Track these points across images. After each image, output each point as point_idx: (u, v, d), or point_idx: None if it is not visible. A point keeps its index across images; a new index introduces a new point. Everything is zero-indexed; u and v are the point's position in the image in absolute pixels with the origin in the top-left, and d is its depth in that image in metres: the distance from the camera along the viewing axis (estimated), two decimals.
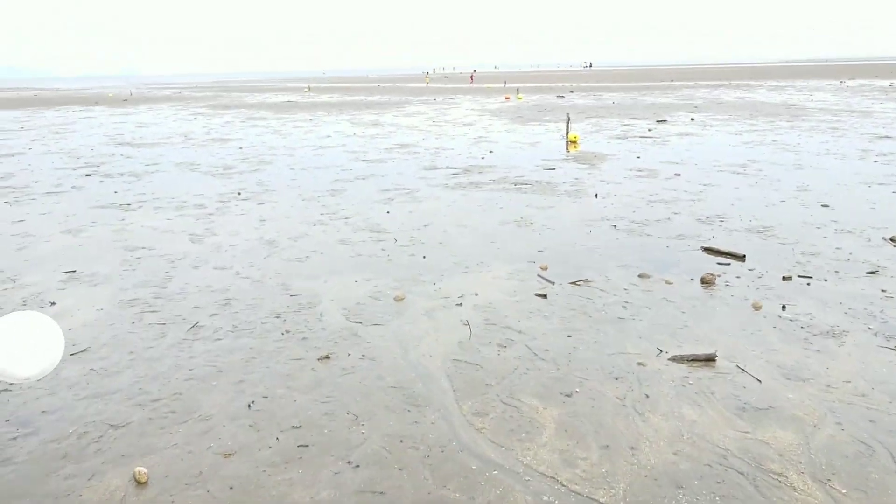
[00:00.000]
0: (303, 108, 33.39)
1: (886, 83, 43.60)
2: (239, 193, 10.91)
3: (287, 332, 5.04)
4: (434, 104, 34.74)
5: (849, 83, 45.44)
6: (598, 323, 5.07)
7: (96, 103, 44.15)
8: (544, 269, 6.48)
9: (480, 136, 18.64)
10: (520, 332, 4.93)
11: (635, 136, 17.60)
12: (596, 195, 9.97)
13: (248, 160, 14.96)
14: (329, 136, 19.67)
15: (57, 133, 22.96)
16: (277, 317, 5.36)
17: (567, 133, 17.53)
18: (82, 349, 4.77)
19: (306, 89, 61.35)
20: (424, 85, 65.84)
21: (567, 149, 15.90)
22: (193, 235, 8.17)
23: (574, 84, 57.95)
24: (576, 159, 13.85)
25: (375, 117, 26.70)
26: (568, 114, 18.24)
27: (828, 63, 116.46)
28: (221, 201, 10.32)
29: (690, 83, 54.41)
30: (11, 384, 2.35)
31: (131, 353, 4.74)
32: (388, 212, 9.24)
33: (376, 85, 69.67)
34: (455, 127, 21.72)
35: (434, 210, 9.31)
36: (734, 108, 26.61)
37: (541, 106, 31.01)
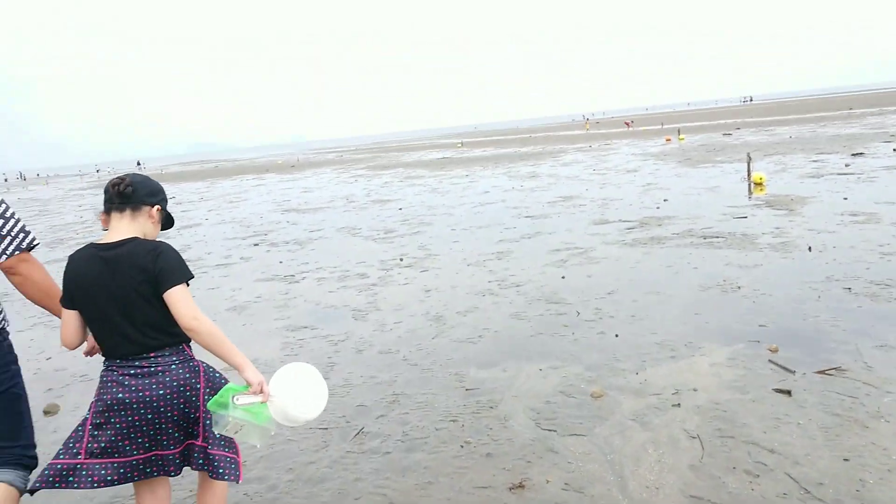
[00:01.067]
0: (458, 164, 33.43)
1: None
2: (401, 260, 10.39)
3: (467, 443, 4.15)
4: (590, 151, 33.59)
5: None
6: (882, 438, 3.75)
7: (267, 171, 47.07)
8: (774, 351, 5.19)
9: (649, 183, 17.28)
10: (771, 450, 3.72)
11: (832, 174, 15.51)
12: (809, 248, 8.42)
13: (407, 222, 14.61)
14: (487, 192, 19.12)
15: (231, 202, 24.20)
16: (454, 420, 4.50)
17: (749, 174, 15.81)
18: None
19: (459, 144, 62.28)
20: (576, 133, 64.75)
21: (751, 192, 14.23)
22: (356, 311, 7.61)
23: (739, 120, 54.57)
24: (768, 204, 12.19)
25: (532, 168, 25.99)
26: (748, 153, 16.48)
27: None
28: (384, 269, 9.82)
29: (874, 110, 49.40)
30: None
31: (290, 470, 4.04)
32: (563, 277, 8.25)
33: (528, 135, 69.49)
34: (619, 174, 20.46)
35: (616, 273, 8.21)
36: None
37: (708, 146, 28.96)
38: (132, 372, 2.59)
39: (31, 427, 2.99)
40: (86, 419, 2.65)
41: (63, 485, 2.54)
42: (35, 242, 2.89)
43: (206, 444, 2.68)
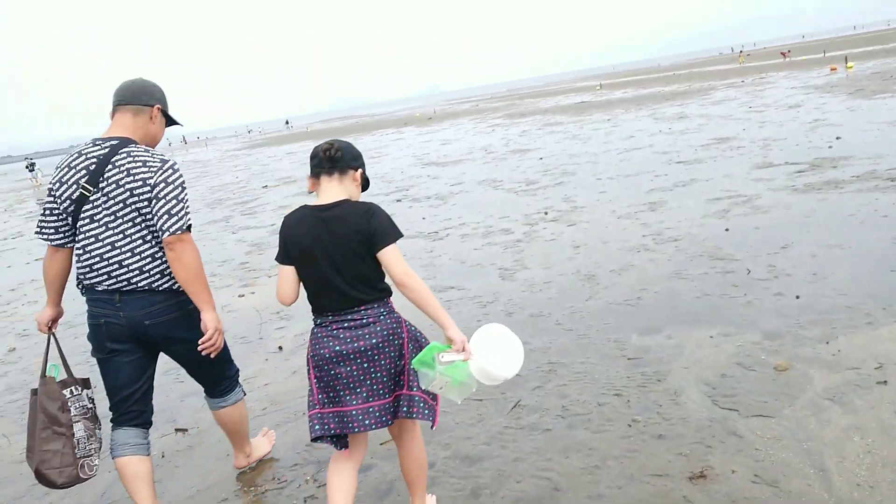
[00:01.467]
0: (598, 108, 32.12)
1: None
2: (545, 213, 10.00)
3: (635, 421, 3.80)
4: (743, 87, 31.13)
5: None
6: None
7: (405, 124, 47.66)
8: None
9: (816, 120, 15.65)
10: None
11: None
12: None
13: (549, 172, 14.11)
14: (632, 137, 18.13)
15: (373, 158, 24.60)
16: (617, 394, 4.15)
17: None
18: (387, 438, 4.03)
19: (598, 87, 59.94)
20: (725, 67, 60.39)
21: None
22: (503, 270, 7.36)
23: None
24: None
25: (679, 109, 24.43)
26: None
27: None
28: (528, 224, 9.48)
29: None
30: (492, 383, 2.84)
31: (447, 446, 3.88)
32: (726, 229, 7.55)
33: (671, 73, 65.72)
34: (779, 111, 18.72)
35: (788, 223, 7.40)
36: None
37: (883, 73, 25.94)
38: (346, 325, 2.74)
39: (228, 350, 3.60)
40: (310, 376, 2.86)
41: (322, 431, 2.80)
42: (190, 224, 3.11)
43: (410, 391, 2.82)
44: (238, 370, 3.69)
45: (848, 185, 8.75)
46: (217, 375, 3.52)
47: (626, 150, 15.69)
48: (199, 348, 3.11)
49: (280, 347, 5.98)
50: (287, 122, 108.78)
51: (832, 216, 7.42)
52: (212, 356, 3.18)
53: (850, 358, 4.16)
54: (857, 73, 28.49)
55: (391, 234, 2.73)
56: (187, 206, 3.08)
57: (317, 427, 2.80)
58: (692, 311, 5.32)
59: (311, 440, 2.83)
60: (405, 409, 2.82)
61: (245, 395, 3.73)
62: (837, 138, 12.52)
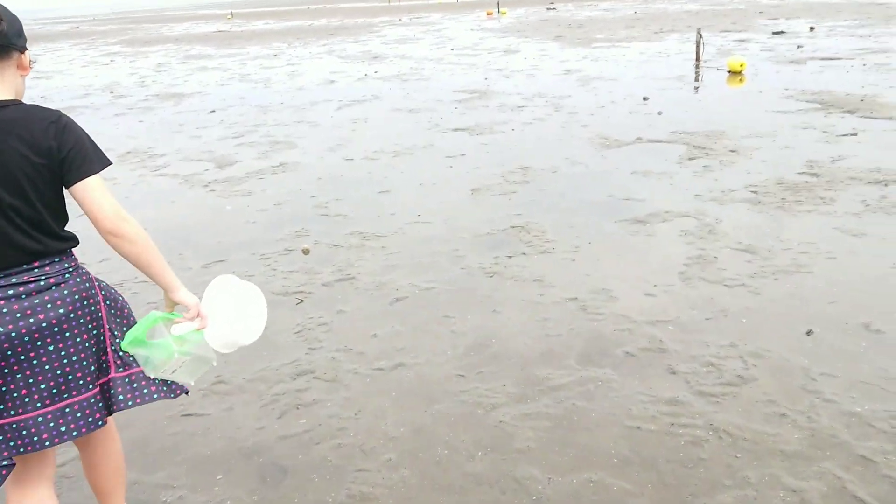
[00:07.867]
0: (248, 40, 26.11)
1: None
2: (306, 251, 4.78)
3: None
4: (410, 25, 28.05)
5: None
6: None
7: None
8: None
9: (568, 70, 12.65)
10: None
11: (812, 59, 11.89)
12: None
13: (244, 138, 8.58)
14: (333, 82, 13.25)
15: None
16: None
17: (699, 56, 11.89)
18: None
19: (229, 16, 52.58)
20: (357, 5, 57.75)
21: (699, 77, 10.31)
22: None
23: None
24: (823, 107, 8.07)
25: (361, 47, 20.04)
26: (699, 30, 12.36)
27: None
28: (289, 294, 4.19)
29: None
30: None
31: None
32: (809, 332, 3.37)
33: (305, 7, 60.96)
34: (501, 56, 15.49)
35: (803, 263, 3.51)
36: (830, 9, 21.07)
37: (557, 21, 24.80)
38: (11, 293, 1.79)
39: None
40: None
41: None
42: None
43: (125, 371, 1.96)
44: None
45: (838, 191, 5.26)
46: None
47: (345, 103, 10.76)
48: None
49: None
50: None
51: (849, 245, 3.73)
52: None
53: None
54: (523, 21, 27.20)
55: (94, 158, 1.83)
56: None
57: None
58: None
59: None
60: (121, 397, 1.92)
61: None
62: (645, 99, 9.35)
